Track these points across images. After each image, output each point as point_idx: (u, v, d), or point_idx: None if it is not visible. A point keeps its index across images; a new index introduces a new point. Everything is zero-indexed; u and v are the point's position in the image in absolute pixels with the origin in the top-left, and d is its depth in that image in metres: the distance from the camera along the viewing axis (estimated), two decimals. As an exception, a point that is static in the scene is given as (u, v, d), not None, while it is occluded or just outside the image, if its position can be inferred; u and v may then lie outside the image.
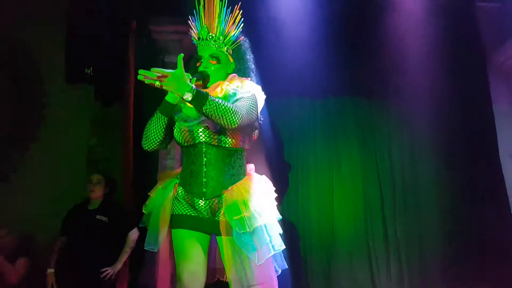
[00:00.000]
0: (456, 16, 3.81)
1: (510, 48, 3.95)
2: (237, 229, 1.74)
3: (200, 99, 1.64)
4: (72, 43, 3.53)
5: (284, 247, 1.82)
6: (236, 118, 1.69)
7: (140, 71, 1.62)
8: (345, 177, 3.88)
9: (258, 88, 1.93)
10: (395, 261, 3.66)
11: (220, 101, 1.68)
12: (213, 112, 1.65)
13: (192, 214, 1.86)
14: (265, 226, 1.78)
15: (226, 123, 1.68)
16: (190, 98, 1.63)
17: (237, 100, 1.79)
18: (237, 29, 1.94)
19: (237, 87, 1.85)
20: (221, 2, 1.89)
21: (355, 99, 4.04)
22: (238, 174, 1.88)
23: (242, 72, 1.97)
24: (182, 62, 1.66)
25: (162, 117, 1.80)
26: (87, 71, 3.44)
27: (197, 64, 1.91)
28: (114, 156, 3.73)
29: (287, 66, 3.65)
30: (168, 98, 1.77)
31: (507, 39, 3.91)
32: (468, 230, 3.60)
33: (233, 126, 1.71)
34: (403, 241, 3.70)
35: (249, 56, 2.01)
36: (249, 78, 1.96)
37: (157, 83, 1.62)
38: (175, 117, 1.86)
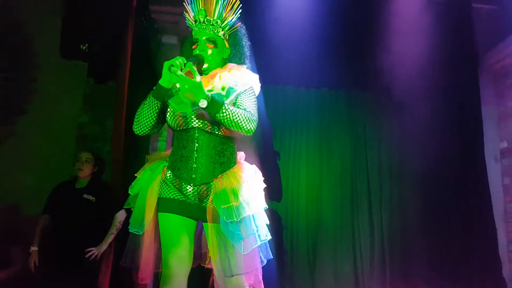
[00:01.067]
0: (452, 16, 3.87)
1: (501, 51, 4.02)
2: (224, 218, 1.72)
3: (215, 106, 1.66)
4: (70, 18, 3.45)
5: (270, 237, 1.80)
6: (252, 125, 1.73)
7: (171, 63, 1.66)
8: (335, 169, 3.94)
9: (256, 77, 1.92)
10: (379, 252, 3.74)
11: (234, 108, 1.70)
12: (227, 119, 1.68)
13: (180, 199, 1.83)
14: (253, 216, 1.76)
15: (241, 130, 1.71)
16: (205, 105, 1.64)
17: (238, 95, 1.80)
18: (235, 15, 1.91)
19: (235, 80, 1.83)
20: None
21: (349, 93, 4.09)
22: (228, 162, 1.86)
23: (237, 58, 1.94)
24: (196, 70, 1.67)
25: (155, 101, 1.77)
26: (83, 47, 3.37)
27: (193, 47, 1.87)
28: (104, 135, 3.69)
29: (285, 55, 3.66)
30: (161, 82, 1.75)
31: (499, 41, 3.95)
32: (452, 225, 3.70)
33: (249, 134, 1.74)
34: (387, 233, 3.78)
35: (245, 43, 1.98)
36: (245, 66, 1.94)
37: (177, 83, 1.66)
38: (169, 101, 1.83)
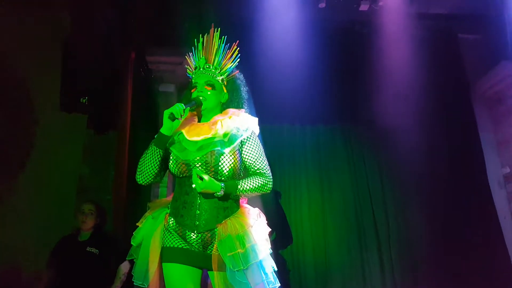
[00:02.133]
0: (440, 47, 3.98)
1: (492, 78, 4.10)
2: (231, 266, 1.68)
3: (230, 189, 1.79)
4: (68, 71, 3.54)
5: (279, 284, 1.76)
6: (268, 187, 1.88)
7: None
8: (337, 204, 3.89)
9: (255, 120, 1.97)
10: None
11: (248, 182, 1.83)
12: (246, 192, 1.83)
13: (184, 247, 1.79)
14: (260, 263, 1.74)
15: (263, 193, 1.88)
16: (222, 194, 1.76)
17: (243, 144, 1.89)
18: (234, 63, 2.00)
19: (236, 126, 1.88)
20: (219, 40, 1.97)
21: (344, 127, 4.11)
22: (231, 207, 1.85)
23: (235, 102, 1.99)
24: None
25: (158, 150, 1.80)
26: (83, 100, 3.43)
27: (192, 90, 1.93)
28: (105, 185, 3.67)
29: (278, 94, 3.73)
30: (163, 130, 1.79)
31: (489, 69, 4.04)
32: (464, 256, 3.61)
33: (269, 192, 1.89)
34: (398, 268, 3.68)
35: (243, 88, 2.04)
36: (244, 110, 1.99)
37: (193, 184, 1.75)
38: (171, 148, 1.84)
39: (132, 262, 3.11)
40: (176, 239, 1.80)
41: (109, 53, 3.42)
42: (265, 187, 1.85)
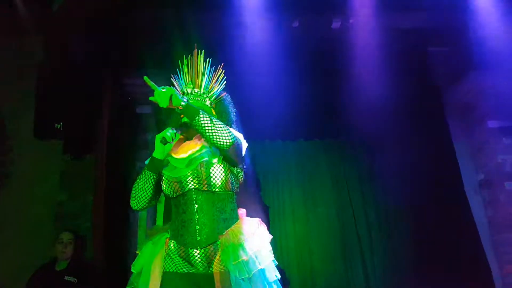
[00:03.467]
0: (411, 61, 4.11)
1: (462, 88, 4.23)
2: (236, 274, 1.68)
3: (191, 111, 1.77)
4: (42, 98, 3.49)
5: None
6: (229, 137, 1.79)
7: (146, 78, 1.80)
8: (322, 219, 3.90)
9: (241, 135, 1.98)
10: None
11: (212, 120, 1.78)
12: (205, 125, 1.75)
13: (185, 271, 1.78)
14: (263, 272, 1.74)
15: (218, 140, 1.77)
16: (184, 104, 1.77)
17: None
18: (220, 86, 2.05)
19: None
20: (204, 62, 2.02)
21: (325, 141, 4.17)
22: (231, 218, 1.85)
23: (224, 123, 1.97)
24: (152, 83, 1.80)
25: (151, 174, 1.83)
26: (57, 126, 3.38)
27: (181, 116, 1.92)
28: (83, 211, 3.59)
29: (257, 112, 3.76)
30: (155, 154, 1.82)
31: (460, 78, 4.18)
32: (444, 263, 3.65)
33: (226, 146, 1.79)
34: (381, 278, 3.69)
35: (231, 109, 2.07)
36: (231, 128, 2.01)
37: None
38: (163, 172, 1.86)
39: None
40: (178, 264, 1.79)
41: (84, 77, 3.40)
42: (228, 135, 1.78)
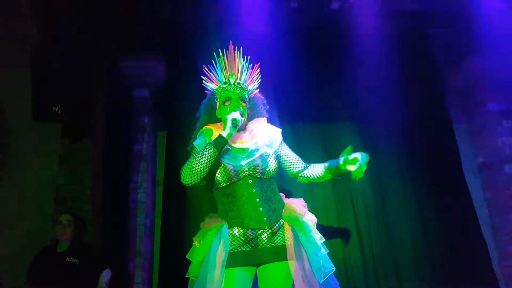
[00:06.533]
0: (411, 43, 4.06)
1: (462, 72, 4.18)
2: (308, 231, 1.98)
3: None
4: (39, 80, 3.48)
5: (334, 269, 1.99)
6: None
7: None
8: (320, 207, 3.88)
9: (278, 131, 2.24)
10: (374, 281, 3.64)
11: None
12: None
13: (247, 249, 1.96)
14: (314, 235, 2.03)
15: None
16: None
17: (279, 147, 2.24)
18: (256, 83, 2.27)
19: (274, 133, 2.20)
20: (243, 59, 2.19)
21: (323, 125, 4.11)
22: (281, 199, 2.11)
23: (258, 114, 2.27)
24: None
25: (216, 152, 1.93)
26: (55, 109, 3.38)
27: (225, 104, 2.12)
28: (83, 194, 3.62)
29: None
30: (225, 134, 1.96)
31: (460, 61, 4.14)
32: (441, 253, 3.65)
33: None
34: (381, 266, 3.68)
35: (264, 103, 2.32)
36: (265, 118, 2.27)
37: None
38: (223, 158, 2.02)
39: (113, 271, 3.13)
40: (241, 245, 1.96)
41: (80, 60, 3.38)
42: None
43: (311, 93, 3.91)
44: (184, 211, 3.56)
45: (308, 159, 3.93)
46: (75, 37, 3.27)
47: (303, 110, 3.96)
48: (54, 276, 3.00)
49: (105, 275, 3.09)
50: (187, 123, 3.88)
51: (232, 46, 2.16)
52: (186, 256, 2.00)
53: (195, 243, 2.01)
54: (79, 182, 3.65)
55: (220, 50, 2.16)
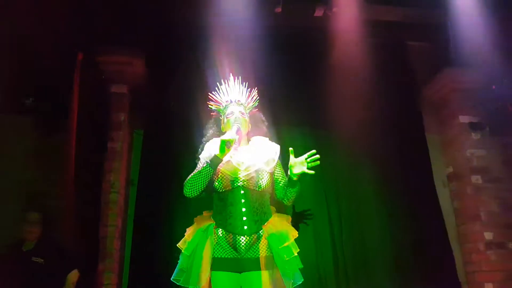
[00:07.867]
0: (390, 53, 4.18)
1: (437, 84, 4.32)
2: (285, 255, 2.12)
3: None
4: (12, 72, 3.35)
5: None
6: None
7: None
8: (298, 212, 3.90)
9: (276, 147, 2.42)
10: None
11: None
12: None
13: (231, 257, 2.17)
14: (297, 257, 2.17)
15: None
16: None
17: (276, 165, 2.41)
18: (254, 103, 2.55)
19: (271, 152, 2.39)
20: (242, 85, 2.51)
21: (303, 130, 4.12)
22: (268, 212, 2.30)
23: (258, 131, 2.52)
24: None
25: (212, 170, 2.18)
26: (27, 102, 3.27)
27: (228, 117, 2.42)
28: (53, 190, 3.49)
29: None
30: (220, 155, 2.17)
31: (435, 73, 4.28)
32: (410, 258, 3.75)
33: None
34: (350, 262, 3.73)
35: (263, 120, 2.59)
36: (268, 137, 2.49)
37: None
38: (222, 169, 2.26)
39: (80, 271, 3.03)
40: (225, 249, 2.18)
41: (56, 53, 3.27)
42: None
43: (285, 98, 3.93)
44: (159, 212, 3.50)
45: (286, 162, 3.99)
46: (51, 29, 3.16)
47: (280, 115, 3.96)
48: (18, 276, 2.88)
49: (73, 276, 3.00)
50: (165, 122, 3.86)
51: (233, 76, 2.50)
52: (177, 245, 2.25)
53: (186, 235, 2.27)
54: (49, 178, 3.51)
55: (223, 80, 2.52)
